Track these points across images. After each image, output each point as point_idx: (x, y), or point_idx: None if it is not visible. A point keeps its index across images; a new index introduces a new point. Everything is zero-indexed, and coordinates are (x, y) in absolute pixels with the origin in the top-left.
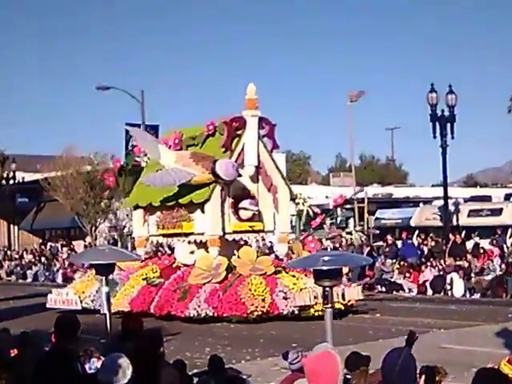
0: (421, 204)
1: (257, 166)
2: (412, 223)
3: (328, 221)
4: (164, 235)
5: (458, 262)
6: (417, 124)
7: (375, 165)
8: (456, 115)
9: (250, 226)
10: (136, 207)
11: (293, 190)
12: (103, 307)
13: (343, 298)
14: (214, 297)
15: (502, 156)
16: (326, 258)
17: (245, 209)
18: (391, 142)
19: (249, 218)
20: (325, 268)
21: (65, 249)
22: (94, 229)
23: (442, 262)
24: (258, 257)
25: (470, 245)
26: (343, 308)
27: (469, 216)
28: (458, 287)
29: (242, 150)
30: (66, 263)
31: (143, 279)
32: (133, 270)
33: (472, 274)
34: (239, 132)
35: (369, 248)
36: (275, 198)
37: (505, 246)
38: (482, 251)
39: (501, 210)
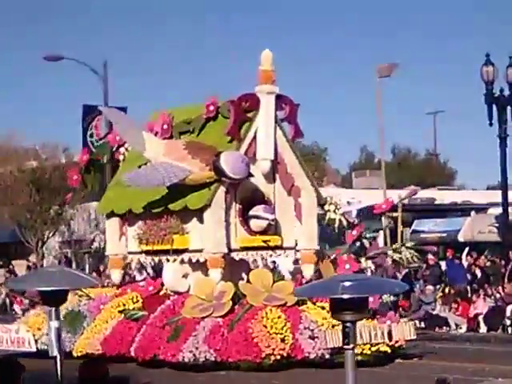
0: (472, 213)
1: (273, 160)
2: (461, 238)
3: (368, 234)
4: (148, 252)
5: None
6: (467, 107)
7: (412, 161)
8: None
9: (264, 241)
10: (110, 215)
11: (321, 193)
12: (51, 348)
13: (390, 338)
14: (216, 335)
15: None
16: (347, 284)
17: (257, 217)
18: (433, 130)
19: (262, 230)
20: (345, 297)
21: (1, 271)
22: (40, 244)
23: (501, 289)
24: (275, 282)
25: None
26: (389, 351)
27: None
28: None
29: (254, 138)
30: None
31: (120, 311)
32: (105, 300)
33: None
34: (250, 115)
35: (406, 270)
36: (298, 203)
37: None
38: None
39: None
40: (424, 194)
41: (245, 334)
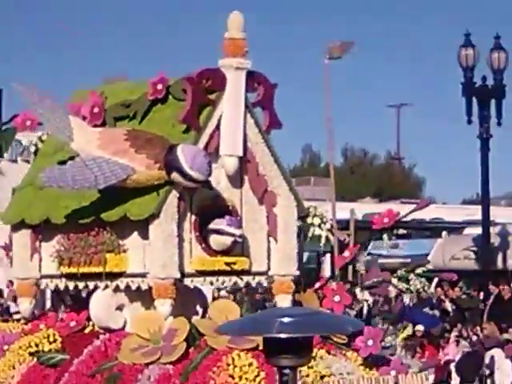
0: (444, 233)
1: (242, 157)
2: (429, 264)
3: (364, 256)
4: (70, 276)
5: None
6: (440, 100)
7: (369, 166)
8: (506, 87)
9: (228, 264)
10: (18, 226)
11: (302, 202)
12: None
13: None
14: None
15: None
16: (286, 320)
17: (219, 232)
18: (396, 128)
19: (226, 250)
20: (283, 336)
21: None
22: None
23: (478, 330)
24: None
25: None
26: None
27: None
28: (505, 373)
29: (218, 128)
30: None
31: (31, 354)
32: (10, 338)
33: None
34: (212, 96)
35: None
36: (272, 214)
37: None
38: None
39: None
40: (383, 208)
41: None
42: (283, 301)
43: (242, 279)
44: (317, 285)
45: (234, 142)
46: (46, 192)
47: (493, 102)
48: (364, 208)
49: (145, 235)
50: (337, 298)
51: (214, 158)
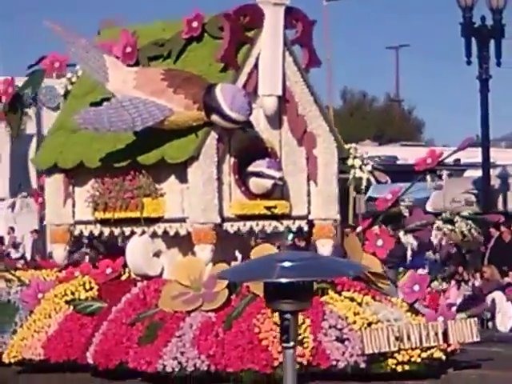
0: (444, 176)
1: (281, 97)
2: (429, 207)
3: (407, 200)
4: (105, 222)
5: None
6: (439, 41)
7: (368, 108)
8: (505, 26)
9: (268, 208)
10: (51, 170)
11: (343, 143)
12: None
13: (445, 340)
14: (208, 336)
15: None
16: (287, 264)
17: (259, 175)
18: (395, 70)
19: (266, 193)
20: (284, 281)
21: None
22: None
23: (479, 273)
24: None
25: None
26: (444, 358)
27: None
28: (506, 315)
29: (256, 67)
30: None
31: (67, 302)
32: (45, 286)
33: None
34: (250, 34)
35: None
36: (312, 156)
37: None
38: None
39: None
40: (383, 150)
41: (248, 334)
42: (325, 245)
43: (281, 223)
44: (359, 228)
45: (273, 81)
46: (79, 135)
47: (492, 42)
48: (364, 151)
49: (183, 179)
50: (379, 242)
51: (253, 97)
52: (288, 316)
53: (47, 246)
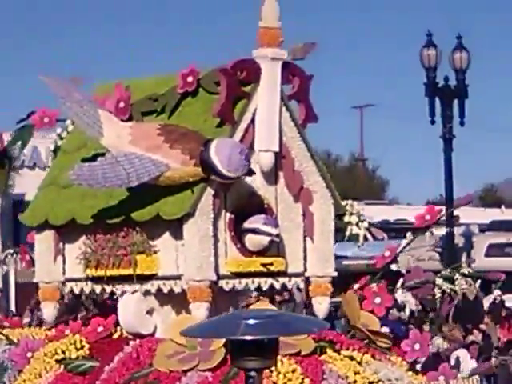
0: (408, 234)
1: (278, 152)
2: (394, 266)
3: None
4: (97, 279)
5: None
6: (403, 101)
7: (333, 167)
8: (468, 86)
9: (264, 265)
10: (41, 227)
11: (339, 199)
12: None
13: None
14: None
15: None
16: (252, 322)
17: (256, 232)
18: (360, 130)
19: (262, 250)
20: (248, 338)
21: None
22: None
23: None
24: None
25: (488, 303)
26: None
27: (488, 255)
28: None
29: (252, 122)
30: None
31: (57, 361)
32: (35, 344)
33: (492, 353)
34: (247, 89)
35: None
36: (308, 212)
37: None
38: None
39: None
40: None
41: None
42: (322, 303)
43: (277, 281)
44: (356, 286)
45: (269, 136)
46: (71, 191)
47: (455, 102)
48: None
49: (177, 235)
50: (377, 300)
51: (249, 153)
52: (253, 373)
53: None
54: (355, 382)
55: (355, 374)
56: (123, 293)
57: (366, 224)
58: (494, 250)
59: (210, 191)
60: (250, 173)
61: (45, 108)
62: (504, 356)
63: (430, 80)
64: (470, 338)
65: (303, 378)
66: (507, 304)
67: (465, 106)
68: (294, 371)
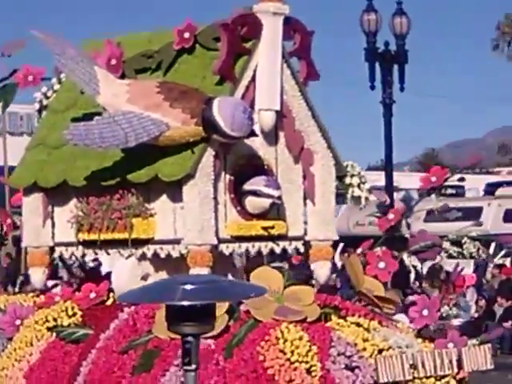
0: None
1: (278, 111)
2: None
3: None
4: (89, 243)
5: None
6: (343, 66)
7: None
8: (408, 52)
9: (265, 228)
10: (30, 190)
11: (341, 160)
12: None
13: (459, 366)
14: (209, 365)
15: (482, 123)
16: (189, 287)
17: (256, 194)
18: None
19: (262, 213)
20: (186, 304)
21: None
22: None
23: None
24: (287, 286)
25: (426, 268)
26: None
27: (427, 220)
28: None
29: (253, 80)
30: None
31: (49, 329)
32: (23, 311)
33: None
34: (248, 45)
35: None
36: (309, 174)
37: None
38: (445, 278)
39: (479, 210)
40: None
41: (252, 362)
42: (322, 268)
43: (278, 245)
44: (359, 250)
45: (271, 94)
46: (61, 152)
47: (395, 67)
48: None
49: (175, 198)
50: (381, 265)
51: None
52: (190, 339)
53: None
54: (364, 349)
55: (364, 341)
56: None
57: (367, 186)
58: (432, 216)
59: (210, 152)
60: (253, 134)
61: (28, 65)
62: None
63: (369, 45)
64: (410, 298)
65: (310, 346)
66: (446, 268)
67: (405, 72)
68: (300, 338)
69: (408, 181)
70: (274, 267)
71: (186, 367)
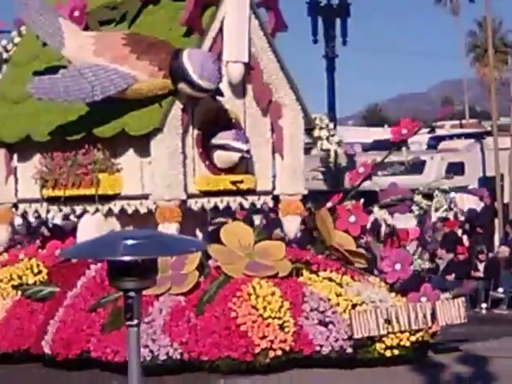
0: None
1: (247, 63)
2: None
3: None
4: (53, 200)
5: None
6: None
7: None
8: (350, 5)
9: (233, 183)
10: None
11: (309, 113)
12: None
13: (433, 320)
14: (180, 322)
15: (425, 77)
16: (130, 242)
17: (225, 148)
18: None
19: (230, 168)
20: (127, 259)
21: None
22: None
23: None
24: (257, 241)
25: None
26: (430, 340)
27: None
28: None
29: (220, 31)
30: None
31: (14, 287)
32: None
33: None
34: None
35: None
36: (278, 127)
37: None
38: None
39: (422, 164)
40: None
41: (224, 319)
42: (292, 222)
43: (246, 199)
44: (328, 204)
45: (239, 46)
46: (24, 106)
47: (337, 21)
48: None
49: (142, 153)
50: (352, 219)
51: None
52: (132, 294)
53: None
54: (338, 304)
55: (337, 296)
56: (83, 214)
57: (336, 138)
58: (376, 170)
59: (178, 105)
60: (220, 93)
61: None
62: None
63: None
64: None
65: (283, 301)
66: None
67: (347, 26)
68: (273, 294)
69: (351, 135)
70: (216, 223)
71: (128, 322)
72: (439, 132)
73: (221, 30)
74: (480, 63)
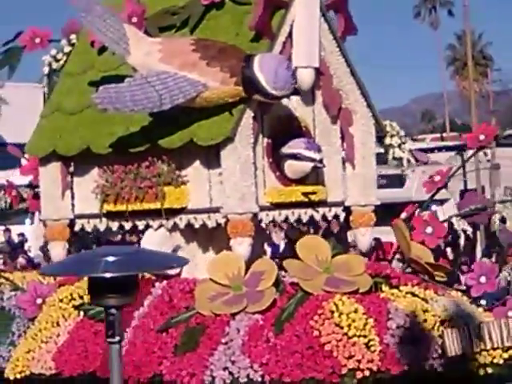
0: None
1: (317, 68)
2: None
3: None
4: (113, 215)
5: None
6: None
7: None
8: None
9: (305, 194)
10: (47, 158)
11: (380, 119)
12: None
13: (509, 338)
14: (259, 342)
15: (405, 91)
16: (111, 259)
17: (296, 158)
18: None
19: (301, 178)
20: (108, 276)
21: None
22: None
23: None
24: (335, 255)
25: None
26: (506, 357)
27: None
28: None
29: (290, 36)
30: None
31: (75, 307)
32: (44, 289)
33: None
34: None
35: None
36: (348, 135)
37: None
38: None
39: (402, 178)
40: None
41: (306, 338)
42: (365, 235)
43: (317, 211)
44: (403, 215)
45: (310, 51)
46: (81, 117)
47: None
48: None
49: (210, 164)
50: (429, 230)
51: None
52: (113, 311)
53: None
54: (425, 320)
55: (424, 312)
56: (146, 229)
57: (408, 146)
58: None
59: (249, 113)
60: (297, 92)
61: (34, 27)
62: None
63: None
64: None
65: (367, 319)
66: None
67: None
68: (356, 311)
69: None
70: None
71: (109, 339)
72: (420, 145)
73: (290, 34)
74: (460, 76)
